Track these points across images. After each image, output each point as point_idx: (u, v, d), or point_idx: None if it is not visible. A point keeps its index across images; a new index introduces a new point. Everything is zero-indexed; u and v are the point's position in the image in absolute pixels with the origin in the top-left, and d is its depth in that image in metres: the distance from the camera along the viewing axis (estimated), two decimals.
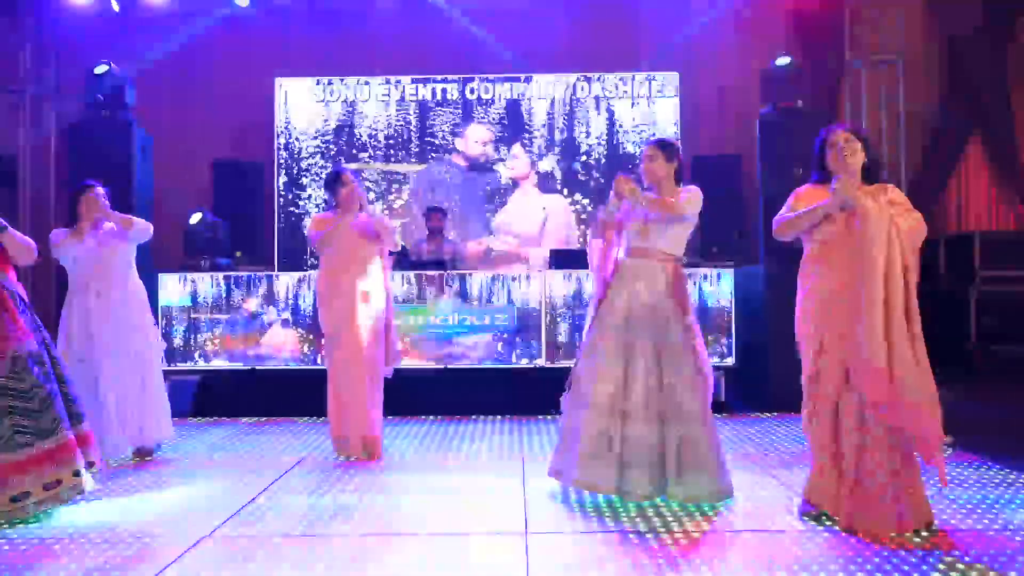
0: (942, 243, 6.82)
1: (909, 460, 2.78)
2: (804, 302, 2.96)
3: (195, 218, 5.94)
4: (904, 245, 2.76)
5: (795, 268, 3.10)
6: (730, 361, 5.38)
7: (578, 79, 7.20)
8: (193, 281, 5.45)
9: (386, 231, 4.12)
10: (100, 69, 5.84)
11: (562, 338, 5.39)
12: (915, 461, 2.79)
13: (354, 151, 7.24)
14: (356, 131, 7.24)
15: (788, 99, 5.70)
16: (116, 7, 6.94)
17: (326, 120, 7.24)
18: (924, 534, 2.72)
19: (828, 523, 2.85)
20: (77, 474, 3.07)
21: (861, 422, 2.78)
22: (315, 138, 7.24)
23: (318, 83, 7.22)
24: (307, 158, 7.24)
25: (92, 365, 3.88)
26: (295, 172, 7.23)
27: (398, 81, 7.22)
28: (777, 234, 3.05)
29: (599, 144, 7.20)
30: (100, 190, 4.05)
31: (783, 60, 5.80)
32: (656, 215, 3.22)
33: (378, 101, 7.24)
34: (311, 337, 5.41)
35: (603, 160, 7.18)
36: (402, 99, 7.24)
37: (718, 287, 5.40)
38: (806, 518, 2.92)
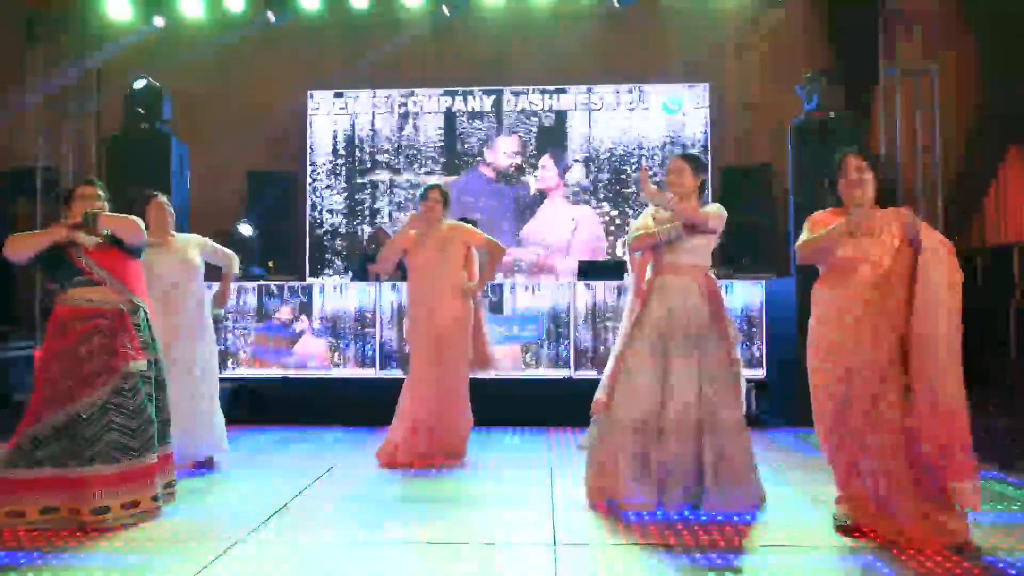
0: (980, 255, 6.67)
1: (937, 479, 2.74)
2: (818, 328, 2.96)
3: (246, 229, 6.08)
4: (933, 268, 2.74)
5: None
6: (761, 374, 5.31)
7: (608, 90, 7.21)
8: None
9: (492, 244, 4.28)
10: (139, 83, 6.01)
11: (591, 349, 5.37)
12: (944, 481, 2.74)
13: (385, 162, 7.33)
14: (387, 142, 7.33)
15: (821, 109, 5.65)
16: (161, 23, 7.13)
17: (358, 132, 7.34)
18: (955, 554, 2.66)
19: (861, 537, 2.81)
20: (155, 499, 3.10)
21: (886, 445, 2.76)
22: (347, 150, 7.35)
23: (350, 95, 7.33)
24: (339, 169, 7.34)
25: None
26: (327, 183, 7.33)
27: (428, 93, 7.31)
28: (801, 257, 3.04)
29: (629, 155, 7.19)
30: (164, 199, 4.14)
31: (816, 70, 5.75)
32: (686, 216, 3.22)
33: (409, 113, 7.32)
34: (341, 346, 5.47)
35: (633, 171, 7.17)
36: (432, 111, 7.32)
37: (749, 299, 5.35)
38: (840, 532, 2.89)
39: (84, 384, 3.03)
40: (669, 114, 7.15)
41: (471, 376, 4.27)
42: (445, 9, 7.05)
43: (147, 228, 4.02)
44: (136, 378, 3.12)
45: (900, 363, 2.74)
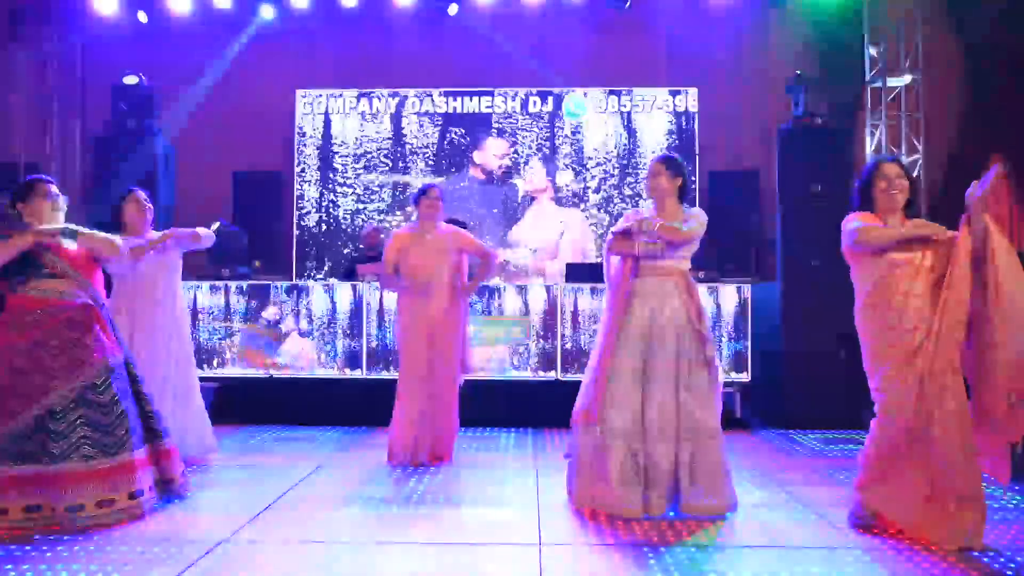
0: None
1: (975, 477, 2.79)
2: (866, 298, 2.95)
3: (213, 226, 6.02)
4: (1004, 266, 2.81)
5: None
6: (746, 377, 5.34)
7: (597, 93, 7.24)
8: (212, 289, 5.51)
9: (487, 254, 4.29)
10: (130, 80, 5.96)
11: (578, 351, 5.38)
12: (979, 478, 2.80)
13: (373, 163, 7.31)
14: (375, 143, 7.32)
15: (807, 115, 5.70)
16: (144, 18, 7.08)
17: (345, 132, 7.33)
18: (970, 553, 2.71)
19: (877, 532, 2.87)
20: (133, 496, 3.05)
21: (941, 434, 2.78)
22: (334, 150, 7.33)
23: (338, 96, 7.31)
24: (326, 169, 7.32)
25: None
26: (314, 183, 7.31)
27: (418, 94, 7.30)
28: (863, 241, 2.95)
29: (617, 158, 7.22)
30: (142, 195, 4.13)
31: (803, 74, 5.80)
32: (664, 238, 3.22)
33: (397, 113, 7.32)
34: (328, 346, 5.45)
35: (621, 174, 7.20)
36: (421, 112, 7.32)
37: (735, 303, 5.38)
38: (858, 527, 2.95)
39: (54, 378, 3.00)
40: (658, 117, 7.19)
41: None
42: (450, 10, 7.02)
43: (124, 225, 4.03)
44: (108, 373, 3.09)
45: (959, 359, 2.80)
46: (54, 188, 3.25)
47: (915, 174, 6.95)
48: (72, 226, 3.19)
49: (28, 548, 2.73)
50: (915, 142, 6.98)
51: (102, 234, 3.28)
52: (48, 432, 2.96)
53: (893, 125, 7.01)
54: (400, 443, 4.09)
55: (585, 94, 7.24)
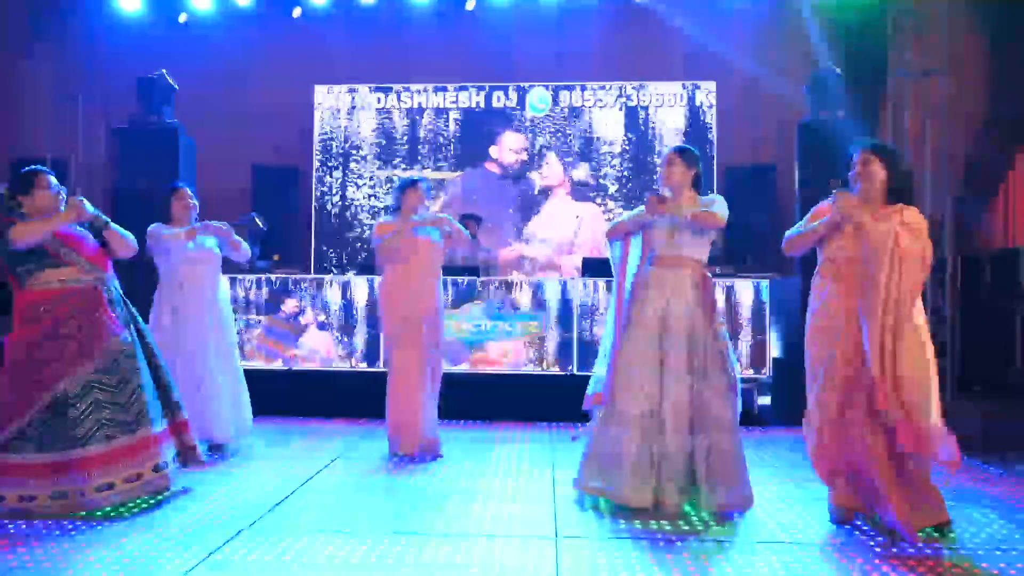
0: (987, 260, 6.64)
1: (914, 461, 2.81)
2: (813, 320, 3.01)
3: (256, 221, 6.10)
4: (907, 266, 2.75)
5: None
6: (765, 373, 5.31)
7: (613, 87, 7.21)
8: (232, 282, 5.57)
9: (459, 234, 4.30)
10: (153, 75, 6.04)
11: (594, 346, 5.38)
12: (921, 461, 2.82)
13: (390, 158, 7.34)
14: (393, 138, 7.35)
15: (828, 108, 5.64)
16: (170, 16, 7.18)
17: (363, 127, 7.36)
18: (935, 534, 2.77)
19: (862, 525, 2.91)
20: (157, 468, 3.13)
21: (868, 431, 2.82)
22: (352, 144, 7.37)
23: (356, 91, 7.35)
24: (344, 164, 7.36)
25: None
26: (333, 178, 7.36)
27: (435, 88, 7.32)
28: (785, 249, 3.14)
29: (634, 153, 7.19)
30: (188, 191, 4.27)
31: (824, 69, 5.74)
32: (688, 224, 3.21)
33: (414, 109, 7.34)
34: (346, 339, 5.49)
35: (637, 168, 7.17)
36: (438, 107, 7.33)
37: (753, 299, 5.35)
38: (838, 523, 2.97)
39: (67, 364, 3.06)
40: (675, 112, 7.15)
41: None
42: (469, 4, 7.03)
43: (172, 219, 4.13)
44: (116, 353, 3.15)
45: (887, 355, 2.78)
46: (54, 179, 3.27)
47: (938, 169, 6.86)
48: (104, 218, 3.27)
49: (57, 532, 2.80)
50: (938, 137, 6.87)
51: (122, 233, 3.34)
52: (67, 418, 3.03)
53: (915, 120, 6.90)
54: (393, 432, 4.14)
55: (584, 87, 7.21)
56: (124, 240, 3.33)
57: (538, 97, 7.19)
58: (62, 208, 3.23)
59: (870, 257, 2.78)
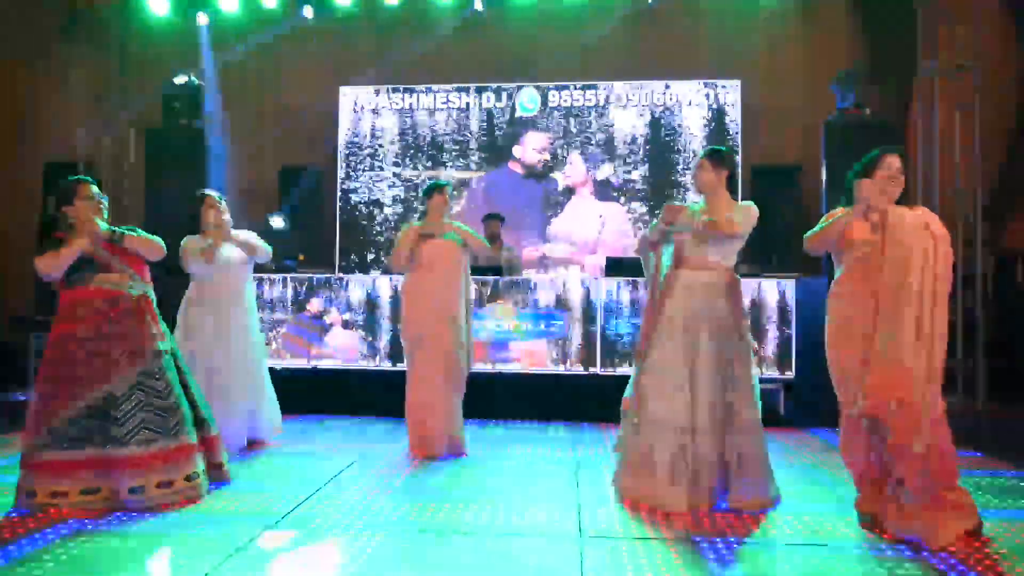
0: (1019, 259, 6.51)
1: (942, 469, 2.75)
2: (836, 326, 2.96)
3: (278, 221, 6.19)
4: (940, 264, 2.72)
5: None
6: (790, 374, 5.26)
7: (636, 86, 7.18)
8: (257, 282, 5.64)
9: (479, 242, 4.36)
10: (181, 78, 6.14)
11: (617, 345, 5.37)
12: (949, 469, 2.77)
13: (414, 158, 7.39)
14: (417, 138, 7.39)
15: (856, 107, 5.57)
16: (198, 19, 7.29)
17: (388, 128, 7.41)
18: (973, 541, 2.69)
19: (884, 533, 2.83)
20: (189, 478, 3.19)
21: (885, 439, 2.77)
22: (377, 145, 7.42)
23: (380, 92, 7.40)
24: (370, 165, 7.42)
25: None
26: (357, 178, 7.42)
27: (457, 88, 7.34)
28: (807, 248, 3.08)
29: (657, 152, 7.15)
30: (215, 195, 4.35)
31: (850, 67, 5.67)
32: (710, 233, 3.20)
33: (438, 109, 7.37)
34: (370, 338, 5.54)
35: (661, 168, 7.14)
36: (462, 107, 7.36)
37: (779, 298, 5.30)
38: (863, 527, 2.93)
39: (115, 364, 3.12)
40: (699, 111, 7.10)
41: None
42: (478, 3, 7.07)
43: (202, 226, 4.19)
44: (163, 358, 3.22)
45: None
46: (95, 189, 3.33)
47: (970, 167, 6.73)
48: (119, 230, 3.30)
49: (89, 526, 2.86)
50: (969, 135, 6.75)
51: (146, 236, 3.38)
52: (109, 417, 3.08)
53: (945, 117, 6.78)
54: (417, 433, 4.16)
55: (602, 86, 7.19)
56: (148, 243, 3.36)
57: (528, 97, 7.19)
58: (104, 215, 3.30)
59: (904, 245, 2.72)
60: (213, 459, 3.41)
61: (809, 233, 3.06)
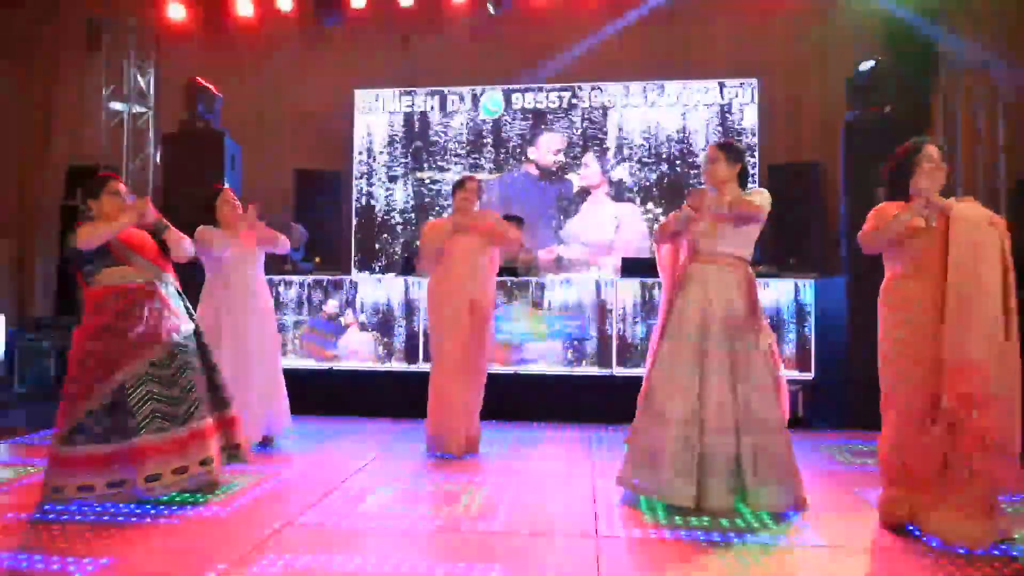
0: None
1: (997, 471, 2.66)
2: (893, 329, 2.85)
3: (299, 232, 6.25)
4: (1008, 256, 2.65)
5: (879, 278, 2.98)
6: (809, 375, 5.20)
7: (653, 86, 7.15)
8: (273, 284, 5.68)
9: (504, 235, 4.31)
10: (199, 82, 6.21)
11: (633, 346, 5.34)
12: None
13: (429, 160, 7.40)
14: (431, 141, 7.40)
15: (875, 104, 5.49)
16: (215, 25, 7.38)
17: (402, 130, 7.43)
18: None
19: (914, 531, 2.76)
20: (204, 463, 3.21)
21: (952, 436, 2.67)
22: (391, 147, 7.44)
23: (395, 94, 7.42)
24: (384, 167, 7.44)
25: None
26: (372, 180, 7.45)
27: (472, 90, 7.35)
28: (866, 246, 2.96)
29: (674, 152, 7.11)
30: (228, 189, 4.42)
31: (870, 63, 5.58)
32: (729, 216, 3.16)
33: (452, 111, 7.38)
34: (385, 339, 5.55)
35: (678, 168, 7.09)
36: (477, 109, 7.36)
37: (797, 298, 5.24)
38: (886, 528, 2.87)
39: (126, 356, 3.16)
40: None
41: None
42: (490, 8, 7.09)
43: (219, 221, 4.27)
44: (172, 347, 3.24)
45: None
46: (122, 185, 3.41)
47: (993, 165, 6.62)
48: (167, 223, 3.41)
49: (106, 519, 2.88)
50: (992, 132, 6.64)
51: (182, 237, 3.47)
52: (123, 409, 3.12)
53: (968, 114, 6.67)
54: (434, 431, 4.16)
55: (618, 87, 7.15)
56: (180, 244, 3.45)
57: (492, 100, 7.19)
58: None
59: (965, 245, 2.64)
60: (231, 440, 3.42)
61: (866, 230, 2.93)
